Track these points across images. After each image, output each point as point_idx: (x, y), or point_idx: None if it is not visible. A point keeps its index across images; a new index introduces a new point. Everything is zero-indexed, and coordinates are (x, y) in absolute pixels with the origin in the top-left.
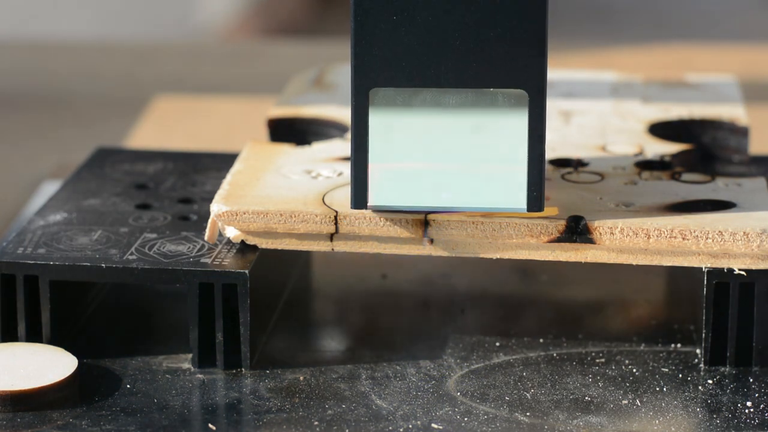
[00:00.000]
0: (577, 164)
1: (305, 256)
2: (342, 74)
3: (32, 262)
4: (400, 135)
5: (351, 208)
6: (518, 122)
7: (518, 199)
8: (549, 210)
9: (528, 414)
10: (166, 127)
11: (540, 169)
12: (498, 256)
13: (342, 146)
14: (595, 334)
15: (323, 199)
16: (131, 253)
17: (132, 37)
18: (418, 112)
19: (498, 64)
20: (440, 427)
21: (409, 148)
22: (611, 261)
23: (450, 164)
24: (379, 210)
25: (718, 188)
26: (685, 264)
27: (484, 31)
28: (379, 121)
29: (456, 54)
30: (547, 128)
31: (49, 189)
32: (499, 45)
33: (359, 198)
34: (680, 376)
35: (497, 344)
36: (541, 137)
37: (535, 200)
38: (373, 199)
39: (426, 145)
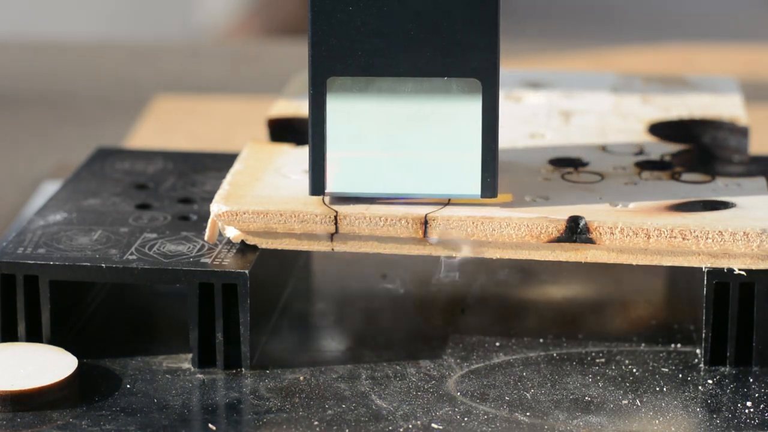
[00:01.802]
0: (577, 164)
1: (305, 256)
2: None
3: (32, 262)
4: (357, 123)
5: (309, 194)
6: (472, 110)
7: (473, 185)
8: (503, 197)
9: (528, 414)
10: (166, 127)
11: (493, 155)
12: (498, 256)
13: None
14: (595, 334)
15: (323, 199)
16: (131, 253)
17: (132, 37)
18: (374, 100)
19: (452, 53)
20: (440, 427)
21: (365, 135)
22: (611, 261)
23: (406, 151)
24: (337, 197)
25: (718, 188)
26: (685, 264)
27: (438, 20)
28: (336, 109)
29: (411, 43)
30: (547, 128)
31: (49, 189)
32: (453, 34)
33: (317, 185)
34: (680, 376)
35: (497, 344)
36: (494, 124)
37: (489, 186)
38: (330, 186)
39: (382, 133)
